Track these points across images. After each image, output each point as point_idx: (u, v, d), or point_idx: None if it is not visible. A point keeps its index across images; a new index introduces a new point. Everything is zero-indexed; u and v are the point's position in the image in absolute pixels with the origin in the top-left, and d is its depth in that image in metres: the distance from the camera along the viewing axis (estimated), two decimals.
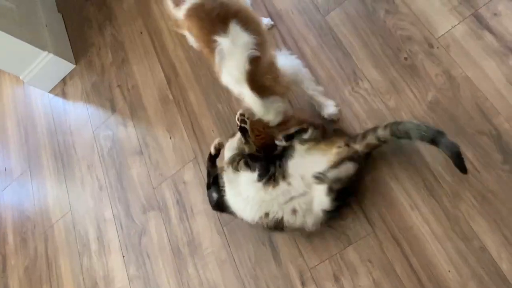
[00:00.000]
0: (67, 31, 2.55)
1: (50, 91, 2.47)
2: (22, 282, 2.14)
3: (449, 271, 1.24)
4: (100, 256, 1.93)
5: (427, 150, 1.36)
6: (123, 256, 1.86)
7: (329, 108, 1.52)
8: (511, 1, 1.37)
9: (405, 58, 1.48)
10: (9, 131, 2.55)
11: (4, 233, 2.31)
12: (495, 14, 1.38)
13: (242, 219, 1.45)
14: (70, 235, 2.06)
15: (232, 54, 1.30)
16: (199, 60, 1.96)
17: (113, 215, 1.95)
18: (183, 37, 2.04)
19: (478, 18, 1.41)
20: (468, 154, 1.30)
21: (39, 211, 2.22)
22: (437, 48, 1.44)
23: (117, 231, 1.92)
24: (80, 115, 2.29)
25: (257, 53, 1.29)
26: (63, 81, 2.44)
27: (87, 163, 2.15)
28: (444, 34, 1.44)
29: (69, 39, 2.52)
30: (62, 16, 2.61)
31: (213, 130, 1.81)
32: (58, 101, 2.42)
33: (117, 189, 1.99)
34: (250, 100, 1.35)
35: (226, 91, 1.82)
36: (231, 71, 1.32)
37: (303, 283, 1.45)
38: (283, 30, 1.76)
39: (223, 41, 1.28)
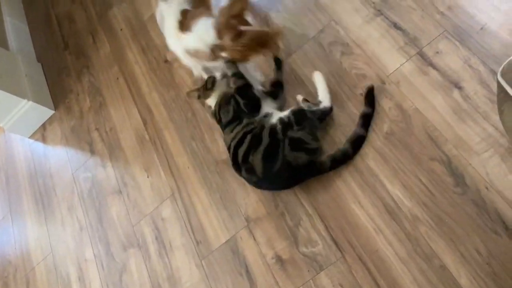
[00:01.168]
0: (46, 79, 2.54)
1: (30, 137, 2.42)
2: None
3: None
4: None
5: (385, 177, 1.39)
6: None
7: None
8: (450, 40, 1.45)
9: (361, 94, 1.53)
10: None
11: None
12: (437, 52, 1.46)
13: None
14: (51, 277, 1.98)
15: (168, 14, 1.46)
16: (173, 102, 1.97)
17: (94, 255, 1.89)
18: (157, 80, 2.07)
19: (423, 56, 1.48)
20: (423, 179, 1.34)
21: (21, 254, 2.13)
22: (389, 84, 1.50)
23: (98, 270, 1.86)
24: (59, 158, 2.24)
25: (188, 7, 1.45)
26: (43, 126, 2.40)
27: (67, 204, 2.09)
28: (394, 71, 1.50)
29: (48, 87, 2.50)
30: (42, 66, 2.60)
31: (188, 167, 1.80)
32: (38, 145, 2.37)
33: (98, 229, 1.93)
34: (189, 42, 1.44)
35: (199, 129, 1.83)
36: (169, 30, 1.46)
37: None
38: None
39: (161, 4, 1.47)
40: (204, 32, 1.41)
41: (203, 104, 1.70)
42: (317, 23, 1.73)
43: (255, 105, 1.54)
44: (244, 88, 1.52)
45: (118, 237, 1.86)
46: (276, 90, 1.64)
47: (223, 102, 1.55)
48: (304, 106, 1.51)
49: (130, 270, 1.77)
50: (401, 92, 1.47)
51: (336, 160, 1.44)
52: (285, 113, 1.49)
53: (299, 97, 1.61)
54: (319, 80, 1.57)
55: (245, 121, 1.51)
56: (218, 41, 1.39)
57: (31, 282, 2.03)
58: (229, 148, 1.53)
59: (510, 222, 1.19)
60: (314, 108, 1.50)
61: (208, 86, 1.56)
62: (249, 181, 1.52)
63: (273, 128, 1.45)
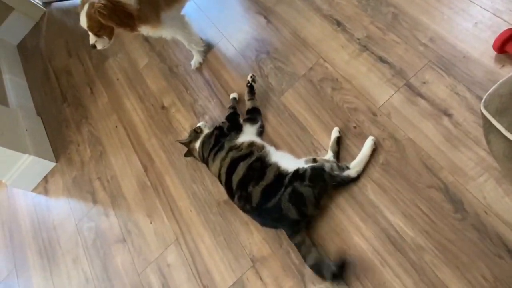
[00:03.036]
0: (46, 132, 2.59)
1: (33, 190, 2.45)
2: None
3: None
4: None
5: (386, 207, 1.41)
6: None
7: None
8: (435, 70, 1.51)
9: (354, 127, 1.57)
10: None
11: None
12: (424, 83, 1.51)
13: None
14: None
15: None
16: (172, 146, 2.01)
17: None
18: (155, 126, 2.12)
19: (410, 87, 1.53)
20: (423, 208, 1.35)
21: None
22: (380, 116, 1.54)
23: None
24: (62, 210, 2.26)
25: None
26: (45, 179, 2.43)
27: (72, 256, 2.09)
28: (384, 103, 1.55)
29: (49, 140, 2.55)
30: (41, 119, 2.66)
31: (191, 210, 1.82)
32: (41, 198, 2.39)
33: (104, 280, 1.93)
34: None
35: (199, 172, 1.86)
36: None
37: None
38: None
39: None
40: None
41: (192, 154, 1.83)
42: (306, 62, 1.80)
43: (236, 126, 1.73)
44: (232, 114, 1.78)
45: (125, 286, 1.85)
46: (253, 116, 1.76)
47: (206, 139, 1.74)
48: (327, 166, 1.46)
49: None
50: (393, 123, 1.51)
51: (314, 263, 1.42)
52: (303, 165, 1.49)
53: (335, 132, 1.57)
54: (366, 147, 1.48)
55: (226, 146, 1.63)
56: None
57: None
58: (219, 176, 1.63)
59: None
60: (337, 172, 1.46)
61: (197, 130, 1.79)
62: (242, 208, 1.57)
63: (282, 173, 1.49)
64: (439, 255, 1.29)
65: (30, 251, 2.26)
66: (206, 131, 1.80)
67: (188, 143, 1.80)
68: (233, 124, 1.74)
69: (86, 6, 1.65)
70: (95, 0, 1.61)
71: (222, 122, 1.77)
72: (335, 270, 1.35)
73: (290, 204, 1.43)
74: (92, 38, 1.76)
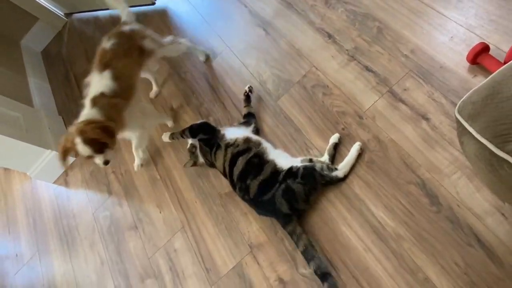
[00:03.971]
0: (66, 129, 2.57)
1: (54, 182, 2.44)
2: None
3: None
4: None
5: (370, 201, 1.42)
6: None
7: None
8: (414, 78, 1.52)
9: (343, 129, 1.58)
10: (19, 220, 2.48)
11: None
12: (405, 89, 1.52)
13: None
14: None
15: (93, 85, 1.61)
16: (179, 144, 2.01)
17: (115, 287, 1.88)
18: (165, 126, 2.12)
19: (393, 94, 1.54)
20: (403, 201, 1.36)
21: None
22: (366, 119, 1.55)
23: None
24: (81, 200, 2.26)
25: (107, 92, 1.58)
26: (65, 172, 2.43)
27: (89, 242, 2.09)
28: (369, 107, 1.56)
29: None
30: (63, 118, 2.65)
31: (196, 202, 1.83)
32: (61, 190, 2.39)
33: (117, 263, 1.93)
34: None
35: (204, 168, 1.86)
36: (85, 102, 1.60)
37: None
38: None
39: (94, 75, 1.62)
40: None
41: (202, 165, 1.81)
42: (300, 70, 1.80)
43: (209, 129, 1.73)
44: (199, 126, 1.76)
45: (136, 269, 1.86)
46: (248, 120, 1.77)
47: (202, 151, 1.74)
48: (318, 166, 1.48)
49: None
50: (377, 126, 1.51)
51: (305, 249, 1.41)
52: (297, 164, 1.49)
53: (334, 138, 1.54)
54: (353, 151, 1.48)
55: (222, 144, 1.63)
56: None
57: None
58: (224, 170, 1.63)
59: (481, 235, 1.22)
60: (326, 172, 1.46)
61: (192, 151, 1.78)
62: (242, 198, 1.59)
63: (278, 170, 1.49)
64: (417, 243, 1.30)
65: (52, 237, 2.27)
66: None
67: (195, 163, 1.80)
68: (204, 130, 1.73)
69: (76, 139, 1.49)
70: (72, 131, 1.50)
71: (198, 137, 1.75)
72: (319, 274, 1.35)
73: (282, 199, 1.44)
74: (100, 158, 1.58)
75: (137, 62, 1.75)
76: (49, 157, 2.31)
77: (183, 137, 1.82)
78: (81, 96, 1.64)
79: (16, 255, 2.36)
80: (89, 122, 1.51)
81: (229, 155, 1.60)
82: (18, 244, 2.39)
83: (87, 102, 1.59)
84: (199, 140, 1.74)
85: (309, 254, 1.39)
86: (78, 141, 1.49)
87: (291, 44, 1.89)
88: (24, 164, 2.32)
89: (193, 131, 1.76)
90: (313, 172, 1.46)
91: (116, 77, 1.61)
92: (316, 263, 1.36)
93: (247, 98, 1.81)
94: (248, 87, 1.83)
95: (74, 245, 2.14)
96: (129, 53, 1.69)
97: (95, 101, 1.57)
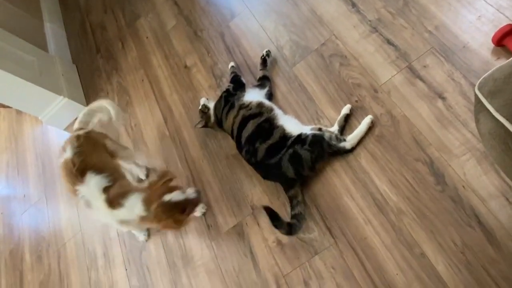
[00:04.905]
0: (80, 79, 2.59)
1: (65, 129, 2.47)
2: None
3: (397, 274, 1.28)
4: (106, 269, 1.91)
5: (375, 174, 1.42)
6: (126, 269, 1.84)
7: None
8: (436, 56, 1.48)
9: (356, 101, 1.56)
10: (28, 163, 2.53)
11: (22, 252, 2.26)
12: (424, 66, 1.49)
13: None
14: (80, 252, 2.03)
15: (92, 196, 1.42)
16: (190, 103, 2.01)
17: (118, 234, 1.94)
18: (177, 83, 2.11)
19: (412, 70, 1.50)
20: (408, 177, 1.37)
21: (53, 232, 2.19)
22: (381, 93, 1.53)
23: (121, 248, 1.91)
24: None
25: (109, 183, 1.43)
26: (76, 120, 2.44)
27: None
28: (385, 82, 1.53)
29: (81, 86, 2.55)
30: (76, 67, 2.65)
31: (202, 160, 1.84)
32: None
33: None
34: (122, 215, 1.40)
35: (213, 130, 1.87)
36: (98, 209, 1.42)
37: None
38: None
39: (81, 189, 1.42)
40: (134, 206, 1.38)
41: (213, 127, 1.82)
42: (319, 37, 1.76)
43: (240, 85, 1.76)
44: (235, 76, 1.81)
45: None
46: (263, 83, 1.75)
47: (216, 103, 1.75)
48: (327, 135, 1.46)
49: (149, 248, 1.82)
50: (392, 101, 1.49)
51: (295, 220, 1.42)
52: (307, 132, 1.48)
53: (346, 109, 1.53)
54: (363, 124, 1.47)
55: (236, 104, 1.63)
56: (146, 213, 1.37)
57: (62, 255, 2.08)
58: (232, 132, 1.64)
59: (483, 217, 1.22)
60: (334, 142, 1.46)
61: (205, 111, 1.79)
62: (248, 161, 1.60)
63: (287, 135, 1.49)
64: (417, 219, 1.31)
65: (60, 183, 2.32)
66: (212, 103, 1.79)
67: (206, 124, 1.80)
68: (237, 84, 1.77)
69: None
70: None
71: (228, 85, 1.77)
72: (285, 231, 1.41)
73: (289, 164, 1.45)
74: None
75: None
76: (62, 103, 2.32)
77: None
78: (96, 46, 1.60)
79: (24, 195, 2.42)
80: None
81: (239, 117, 1.60)
82: (27, 186, 2.45)
83: (99, 204, 1.44)
84: (225, 91, 1.75)
85: (297, 220, 1.41)
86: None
87: (312, 10, 1.84)
88: (36, 108, 2.34)
89: (237, 79, 1.79)
90: (321, 141, 1.45)
91: (100, 171, 1.47)
92: (296, 230, 1.40)
93: (264, 61, 1.79)
94: (266, 51, 1.80)
95: None
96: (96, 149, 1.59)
97: (108, 202, 1.42)
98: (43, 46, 2.52)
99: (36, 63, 2.28)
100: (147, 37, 2.40)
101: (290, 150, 1.46)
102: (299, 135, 1.48)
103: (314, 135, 1.47)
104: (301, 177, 1.49)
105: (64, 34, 2.87)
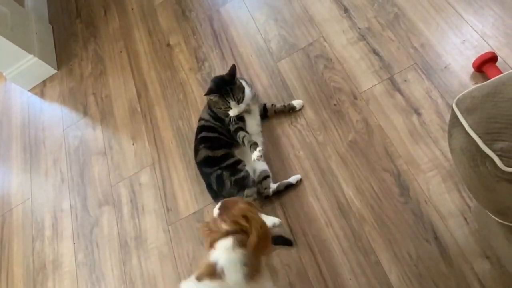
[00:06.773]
0: (54, 41, 2.46)
1: (30, 90, 2.34)
2: None
3: (350, 279, 1.29)
4: (52, 241, 1.81)
5: (343, 179, 1.43)
6: (74, 244, 1.76)
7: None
8: (417, 72, 1.51)
9: (335, 104, 1.57)
10: None
11: None
12: (405, 80, 1.51)
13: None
14: (27, 220, 1.92)
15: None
16: (168, 82, 1.96)
17: (70, 206, 1.85)
18: (157, 60, 2.05)
19: (393, 82, 1.53)
20: (374, 186, 1.38)
21: (1, 195, 2.06)
22: (360, 100, 1.54)
23: (71, 220, 1.82)
24: (54, 114, 2.18)
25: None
26: (43, 82, 2.32)
27: (53, 157, 2.04)
28: (366, 90, 1.55)
29: (55, 48, 2.42)
30: (52, 28, 2.52)
31: (172, 142, 1.79)
32: (36, 99, 2.30)
33: (78, 184, 1.89)
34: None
35: (187, 110, 1.83)
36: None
37: None
38: (242, 69, 1.81)
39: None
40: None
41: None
42: (308, 37, 1.76)
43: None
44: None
45: (96, 193, 1.83)
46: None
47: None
48: (252, 181, 1.45)
49: (101, 225, 1.75)
50: (369, 109, 1.51)
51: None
52: (247, 167, 1.47)
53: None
54: (292, 179, 1.47)
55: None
56: None
57: (7, 222, 1.96)
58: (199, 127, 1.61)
59: (440, 233, 1.25)
60: (259, 186, 1.46)
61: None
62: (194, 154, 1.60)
63: (230, 154, 1.50)
64: (377, 228, 1.32)
65: (16, 144, 2.19)
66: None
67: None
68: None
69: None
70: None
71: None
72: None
73: (215, 180, 1.47)
74: None
75: None
76: (30, 62, 2.19)
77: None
78: (76, 10, 1.51)
79: None
80: None
81: (213, 121, 1.57)
82: None
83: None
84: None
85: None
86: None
87: (305, 9, 1.83)
88: (2, 63, 2.20)
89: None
90: (244, 182, 1.44)
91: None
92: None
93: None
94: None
95: (37, 158, 2.08)
96: None
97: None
98: (19, 0, 2.38)
99: (8, 16, 2.15)
100: (132, 9, 2.31)
101: (218, 172, 1.46)
102: (236, 163, 1.46)
103: (244, 177, 1.43)
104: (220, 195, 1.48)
105: None
